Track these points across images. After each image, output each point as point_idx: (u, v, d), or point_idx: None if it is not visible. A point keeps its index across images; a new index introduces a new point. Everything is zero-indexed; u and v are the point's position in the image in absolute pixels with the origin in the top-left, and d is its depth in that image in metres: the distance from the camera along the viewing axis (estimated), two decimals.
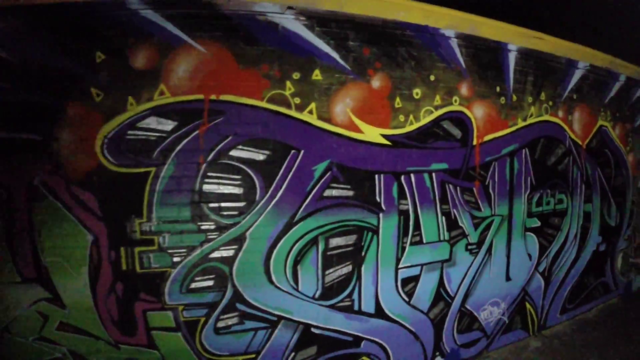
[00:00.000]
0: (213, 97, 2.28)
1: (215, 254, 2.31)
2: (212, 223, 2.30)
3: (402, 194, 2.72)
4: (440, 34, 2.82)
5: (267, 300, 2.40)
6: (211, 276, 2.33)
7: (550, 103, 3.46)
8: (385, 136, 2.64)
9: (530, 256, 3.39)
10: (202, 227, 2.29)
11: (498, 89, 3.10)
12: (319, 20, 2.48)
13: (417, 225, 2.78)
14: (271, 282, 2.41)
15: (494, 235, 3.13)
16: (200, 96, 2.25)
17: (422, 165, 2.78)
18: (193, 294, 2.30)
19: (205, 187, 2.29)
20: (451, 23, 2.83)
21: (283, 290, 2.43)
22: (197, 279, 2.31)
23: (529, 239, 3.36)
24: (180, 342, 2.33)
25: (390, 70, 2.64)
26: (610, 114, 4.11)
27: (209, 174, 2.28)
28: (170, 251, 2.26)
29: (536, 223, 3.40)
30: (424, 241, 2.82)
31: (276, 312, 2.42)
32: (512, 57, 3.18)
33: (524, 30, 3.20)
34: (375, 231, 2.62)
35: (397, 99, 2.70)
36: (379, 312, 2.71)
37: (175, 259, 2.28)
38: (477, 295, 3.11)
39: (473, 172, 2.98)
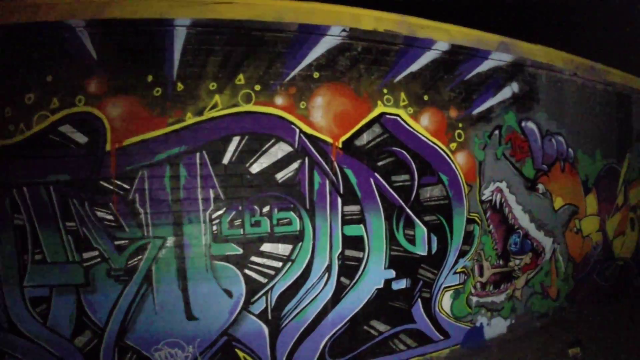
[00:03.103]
0: None
1: None
2: None
3: (17, 209, 2.10)
4: (67, 25, 2.11)
5: None
6: None
7: (258, 87, 2.25)
8: None
9: (229, 293, 2.24)
10: None
11: (150, 78, 2.14)
12: None
13: (37, 243, 2.13)
14: None
15: (154, 261, 2.15)
16: None
17: (36, 177, 2.12)
18: None
19: None
20: (68, 11, 2.03)
21: None
22: None
23: (224, 270, 2.23)
24: None
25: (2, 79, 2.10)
26: (410, 96, 2.59)
27: None
28: None
29: (235, 250, 2.23)
30: (49, 261, 2.14)
31: None
32: (180, 35, 2.19)
33: None
34: None
35: (8, 108, 2.12)
36: (13, 329, 2.15)
37: None
38: (142, 331, 2.20)
39: (108, 184, 2.10)
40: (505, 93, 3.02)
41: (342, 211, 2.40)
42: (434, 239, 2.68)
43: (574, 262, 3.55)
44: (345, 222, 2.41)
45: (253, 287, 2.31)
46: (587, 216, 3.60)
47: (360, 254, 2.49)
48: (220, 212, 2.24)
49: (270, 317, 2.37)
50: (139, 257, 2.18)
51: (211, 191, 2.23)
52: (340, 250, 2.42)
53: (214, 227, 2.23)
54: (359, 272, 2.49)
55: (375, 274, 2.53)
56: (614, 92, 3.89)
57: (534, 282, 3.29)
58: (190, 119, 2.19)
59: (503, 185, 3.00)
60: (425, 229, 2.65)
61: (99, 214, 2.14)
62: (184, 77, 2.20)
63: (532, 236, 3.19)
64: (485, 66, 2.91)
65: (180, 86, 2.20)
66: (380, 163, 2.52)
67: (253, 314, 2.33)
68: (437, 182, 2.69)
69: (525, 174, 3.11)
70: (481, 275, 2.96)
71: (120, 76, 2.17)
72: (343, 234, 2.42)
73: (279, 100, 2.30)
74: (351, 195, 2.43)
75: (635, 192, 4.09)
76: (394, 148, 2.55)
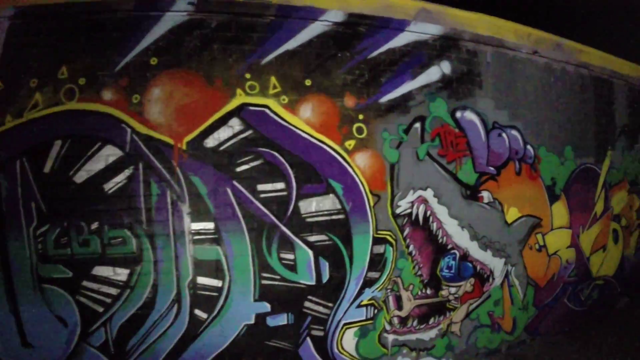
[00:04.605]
0: None
1: None
2: None
3: None
4: None
5: None
6: None
7: (83, 81, 1.77)
8: None
9: (63, 320, 1.80)
10: None
11: None
12: None
13: None
14: None
15: None
16: None
17: None
18: None
19: None
20: None
21: None
22: None
23: (54, 295, 1.78)
24: None
25: None
26: (284, 82, 1.94)
27: None
28: None
29: (64, 273, 1.78)
30: None
31: None
32: (2, 28, 1.75)
33: None
34: None
35: None
36: None
37: None
38: None
39: None
40: (432, 75, 2.22)
41: (190, 229, 1.85)
42: (325, 264, 2.02)
43: (536, 286, 2.65)
44: (195, 242, 1.86)
45: (89, 316, 1.85)
46: (554, 229, 2.65)
47: (218, 283, 1.92)
48: (44, 228, 1.80)
49: (113, 351, 1.94)
50: None
51: (33, 204, 1.88)
52: (191, 277, 1.88)
53: (39, 246, 1.81)
54: (220, 305, 1.91)
55: (242, 307, 1.94)
56: (590, 76, 2.83)
57: (479, 313, 2.47)
58: (10, 122, 1.77)
59: (428, 193, 2.22)
60: (310, 252, 2.00)
61: None
62: (6, 75, 1.80)
63: (473, 257, 2.36)
64: (400, 40, 2.14)
65: (0, 85, 1.88)
66: (241, 168, 1.91)
67: (93, 346, 1.90)
68: (325, 191, 2.01)
69: (463, 179, 2.29)
70: (399, 308, 2.22)
71: None
72: (193, 258, 1.87)
73: (107, 94, 1.79)
74: (201, 209, 1.87)
75: (618, 197, 3.01)
76: (261, 149, 1.93)
